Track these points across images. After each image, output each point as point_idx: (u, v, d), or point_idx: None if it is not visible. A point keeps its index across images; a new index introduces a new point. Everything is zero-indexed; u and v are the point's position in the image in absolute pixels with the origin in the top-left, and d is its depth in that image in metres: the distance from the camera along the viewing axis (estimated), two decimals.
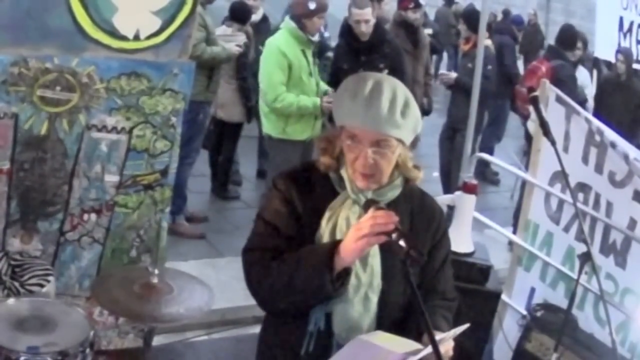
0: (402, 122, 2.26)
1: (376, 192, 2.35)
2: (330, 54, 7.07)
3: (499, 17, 14.36)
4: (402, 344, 2.19)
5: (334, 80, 5.97)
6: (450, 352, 2.31)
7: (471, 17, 7.15)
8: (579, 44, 7.69)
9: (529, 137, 7.26)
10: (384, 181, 2.35)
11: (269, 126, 5.84)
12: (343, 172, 2.35)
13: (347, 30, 6.31)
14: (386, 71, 5.78)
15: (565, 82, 6.46)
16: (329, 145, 2.38)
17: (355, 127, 2.26)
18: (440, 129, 8.22)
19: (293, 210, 2.36)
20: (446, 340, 2.27)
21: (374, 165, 2.27)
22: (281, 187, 2.40)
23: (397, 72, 6.20)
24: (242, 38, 6.73)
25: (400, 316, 2.42)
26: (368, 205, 2.23)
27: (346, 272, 2.25)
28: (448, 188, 7.01)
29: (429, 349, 2.13)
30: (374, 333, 2.33)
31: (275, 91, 5.54)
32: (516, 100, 7.52)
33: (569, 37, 7.49)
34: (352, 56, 6.22)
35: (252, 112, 7.00)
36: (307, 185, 2.39)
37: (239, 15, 7.00)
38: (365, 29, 6.13)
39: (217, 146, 7.39)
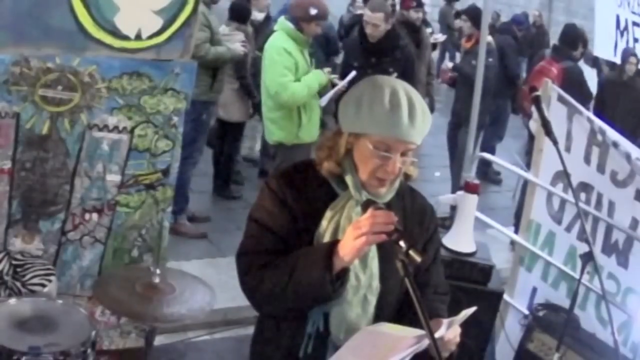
0: (425, 129, 2.29)
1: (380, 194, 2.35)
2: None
3: (502, 16, 14.34)
4: (410, 331, 2.20)
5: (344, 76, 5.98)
6: (458, 338, 2.32)
7: (475, 14, 7.15)
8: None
9: (533, 137, 7.26)
10: (394, 184, 2.36)
11: (281, 133, 5.78)
12: (348, 178, 2.33)
13: (361, 28, 6.32)
14: (395, 74, 5.78)
15: (577, 84, 6.46)
16: (332, 151, 2.35)
17: (391, 138, 2.23)
18: (441, 128, 8.22)
19: (287, 210, 2.33)
20: (455, 324, 2.28)
21: (398, 172, 2.29)
22: (274, 187, 2.37)
23: (407, 79, 6.21)
24: (239, 37, 6.72)
25: (395, 316, 2.43)
26: (367, 205, 2.23)
27: (345, 272, 2.24)
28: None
29: (440, 333, 2.18)
30: (379, 324, 2.34)
31: (287, 90, 5.54)
32: (523, 100, 7.49)
33: (573, 37, 7.50)
34: (362, 55, 6.23)
35: (257, 109, 6.97)
36: (302, 185, 2.37)
37: (238, 14, 6.99)
38: (371, 32, 6.14)
39: (221, 145, 7.39)
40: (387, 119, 2.22)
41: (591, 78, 7.87)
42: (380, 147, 2.25)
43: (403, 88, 2.29)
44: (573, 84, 6.17)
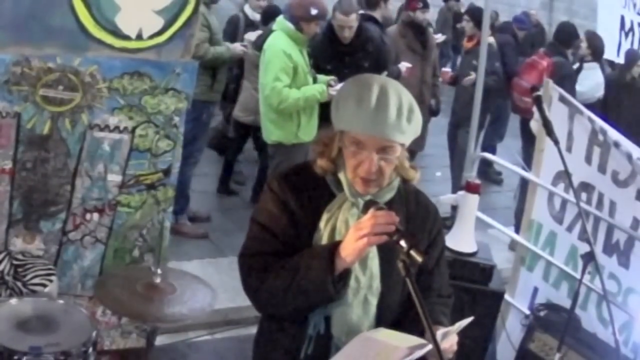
0: (407, 127, 2.25)
1: (374, 193, 2.33)
2: None
3: (502, 16, 14.29)
4: (406, 340, 2.20)
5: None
6: (455, 347, 2.31)
7: (478, 15, 7.13)
8: (580, 42, 7.70)
9: (525, 135, 7.27)
10: (384, 185, 2.34)
11: (280, 133, 5.73)
12: (341, 176, 2.34)
13: (330, 32, 6.21)
14: (385, 73, 5.74)
15: (565, 80, 6.45)
16: (326, 148, 2.35)
17: (362, 134, 2.23)
18: (442, 128, 8.21)
19: (289, 212, 2.34)
20: (451, 334, 2.28)
21: (378, 170, 2.26)
22: (276, 189, 2.37)
23: (381, 69, 6.20)
24: None
25: (398, 317, 2.42)
26: (368, 205, 2.23)
27: (347, 273, 2.24)
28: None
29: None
30: (377, 330, 2.33)
31: (280, 95, 5.51)
32: (513, 92, 7.47)
33: (567, 34, 7.50)
34: (335, 57, 6.15)
35: None
36: (302, 187, 2.37)
37: (272, 18, 6.95)
38: (348, 34, 6.08)
39: (238, 149, 7.40)
40: (355, 114, 2.22)
41: (590, 78, 7.83)
42: (355, 144, 2.25)
43: (380, 84, 2.27)
44: (562, 80, 6.15)
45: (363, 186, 2.29)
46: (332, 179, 2.37)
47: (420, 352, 2.13)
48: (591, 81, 7.58)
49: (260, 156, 7.32)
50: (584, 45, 7.74)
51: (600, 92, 7.53)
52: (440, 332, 2.25)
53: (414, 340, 2.17)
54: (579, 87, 7.25)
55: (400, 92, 2.28)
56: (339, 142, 2.32)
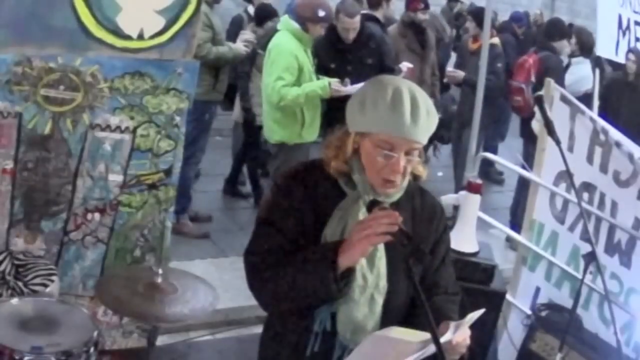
0: (431, 128, 2.28)
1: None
2: None
3: (502, 16, 14.26)
4: (418, 336, 2.19)
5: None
6: (468, 340, 2.30)
7: (480, 15, 7.12)
8: (572, 40, 7.71)
9: (526, 135, 7.26)
10: (402, 184, 2.35)
11: (283, 133, 5.71)
12: (355, 177, 2.33)
13: (332, 32, 6.20)
14: (401, 75, 5.71)
15: (550, 72, 6.45)
16: (339, 150, 2.34)
17: (396, 137, 2.23)
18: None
19: (295, 210, 2.34)
20: (463, 327, 2.27)
21: (403, 171, 2.28)
22: (282, 187, 2.38)
23: (385, 66, 6.19)
24: None
25: (404, 316, 2.42)
26: (372, 205, 2.23)
27: (350, 272, 2.24)
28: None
29: (447, 336, 2.16)
30: (389, 329, 2.33)
31: (279, 93, 5.51)
32: (508, 94, 7.47)
33: (555, 29, 7.50)
34: (338, 56, 6.16)
35: None
36: (309, 184, 2.37)
37: (266, 18, 6.92)
38: (353, 36, 6.10)
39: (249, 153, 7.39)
40: (389, 118, 2.22)
41: (574, 72, 7.83)
42: (384, 146, 2.25)
43: (407, 87, 2.28)
44: (549, 72, 6.16)
45: (386, 187, 2.29)
46: (343, 178, 2.36)
47: (433, 347, 2.13)
48: (575, 75, 7.57)
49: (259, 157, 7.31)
50: (572, 40, 7.76)
51: (587, 86, 7.50)
52: (452, 324, 2.26)
53: (427, 335, 2.16)
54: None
55: (422, 93, 2.30)
56: (355, 142, 2.32)
